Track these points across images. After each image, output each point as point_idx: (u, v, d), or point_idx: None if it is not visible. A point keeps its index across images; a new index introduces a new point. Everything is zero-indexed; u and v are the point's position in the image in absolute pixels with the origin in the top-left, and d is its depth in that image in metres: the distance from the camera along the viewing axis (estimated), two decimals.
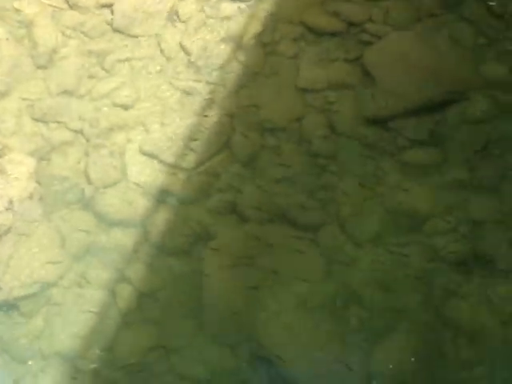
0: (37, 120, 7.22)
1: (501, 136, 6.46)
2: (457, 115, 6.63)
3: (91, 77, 7.38)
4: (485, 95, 6.65)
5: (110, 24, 7.65)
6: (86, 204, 6.77)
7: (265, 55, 7.28)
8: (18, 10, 7.69)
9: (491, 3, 7.00)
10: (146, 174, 6.81)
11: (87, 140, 7.04)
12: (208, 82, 7.19)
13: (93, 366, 6.10)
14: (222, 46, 7.37)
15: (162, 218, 6.61)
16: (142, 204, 6.67)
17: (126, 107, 7.15)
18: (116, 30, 7.62)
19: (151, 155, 6.87)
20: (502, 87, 6.67)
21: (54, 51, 7.51)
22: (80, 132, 7.08)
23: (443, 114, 6.65)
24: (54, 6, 7.71)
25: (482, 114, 6.59)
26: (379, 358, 5.80)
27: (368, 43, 7.09)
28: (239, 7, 7.52)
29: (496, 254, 6.02)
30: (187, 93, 7.17)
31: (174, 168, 6.77)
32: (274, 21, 7.39)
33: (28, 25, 7.63)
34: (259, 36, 7.34)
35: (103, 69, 7.43)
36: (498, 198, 6.25)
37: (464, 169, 6.41)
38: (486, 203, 6.27)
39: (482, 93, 6.65)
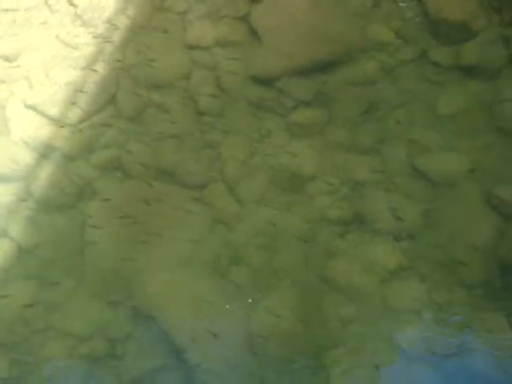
0: None
1: (383, 99, 6.77)
2: (342, 77, 6.86)
3: None
4: (370, 58, 6.93)
5: None
6: None
7: (153, 10, 7.42)
8: None
9: None
10: (29, 128, 6.87)
11: None
12: (94, 36, 7.27)
13: None
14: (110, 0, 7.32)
15: (45, 173, 6.69)
16: (24, 159, 6.74)
17: (8, 59, 7.18)
18: None
19: (35, 109, 6.94)
20: (387, 50, 6.99)
21: None
22: None
23: (329, 76, 6.88)
24: None
25: (367, 77, 6.86)
26: (260, 316, 5.99)
27: (255, 1, 7.24)
28: None
29: (375, 214, 6.29)
30: (73, 46, 7.24)
31: (58, 123, 6.85)
32: None
33: None
34: None
35: None
36: (378, 160, 6.55)
37: (347, 130, 6.68)
38: (367, 165, 6.53)
39: (367, 55, 6.94)
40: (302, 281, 6.10)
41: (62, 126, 6.81)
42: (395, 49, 7.01)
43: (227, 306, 6.03)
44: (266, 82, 6.88)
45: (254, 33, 7.04)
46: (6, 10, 7.35)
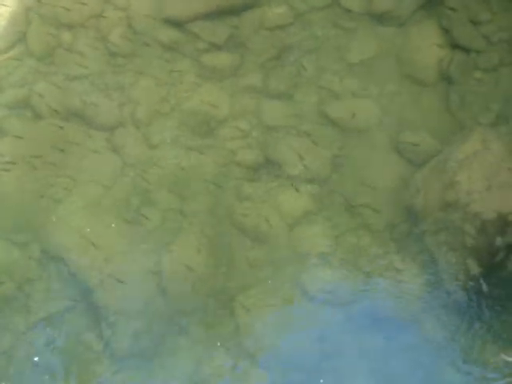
0: None
1: (295, 44, 7.02)
2: (254, 21, 7.12)
3: None
4: (282, 2, 7.14)
5: None
6: None
7: None
8: None
9: None
10: None
11: None
12: None
13: None
14: None
15: None
16: None
17: None
18: None
19: None
20: None
21: None
22: None
23: (241, 19, 7.13)
24: None
25: (278, 21, 7.12)
26: (170, 259, 6.28)
27: None
28: None
29: (285, 159, 6.58)
30: None
31: None
32: None
33: None
34: None
35: None
36: (289, 105, 6.83)
37: (259, 74, 6.94)
38: (279, 109, 6.82)
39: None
40: (212, 225, 6.37)
41: None
42: None
43: (136, 249, 6.26)
44: (178, 24, 7.12)
45: None
46: None
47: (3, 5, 7.09)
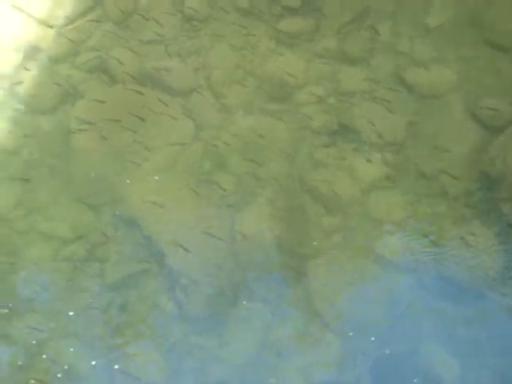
0: None
1: (372, 9, 7.13)
2: None
3: None
4: None
5: None
6: None
7: None
8: None
9: None
10: (15, 28, 7.26)
11: None
12: None
13: None
14: None
15: (30, 74, 7.12)
16: (10, 59, 7.16)
17: None
18: None
19: (21, 10, 7.33)
20: None
21: None
22: None
23: None
24: None
25: None
26: (243, 222, 6.44)
27: None
28: None
29: (360, 125, 6.73)
30: None
31: (44, 24, 7.26)
32: None
33: None
34: None
35: None
36: (366, 70, 6.94)
37: (335, 39, 7.07)
38: (355, 74, 6.94)
39: None
40: (286, 190, 6.51)
41: (47, 28, 7.20)
42: None
43: (209, 213, 6.45)
44: None
45: None
46: None
47: None
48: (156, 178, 6.65)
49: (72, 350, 6.11)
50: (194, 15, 7.28)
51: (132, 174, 6.64)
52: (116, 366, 6.03)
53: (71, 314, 6.26)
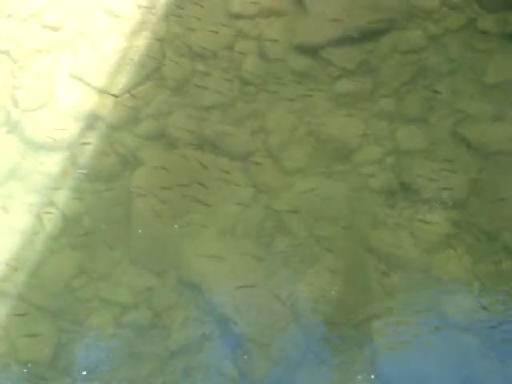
0: None
1: (429, 67, 7.35)
2: (387, 45, 7.51)
3: None
4: (415, 26, 7.57)
5: None
6: (13, 127, 7.60)
7: None
8: None
9: None
10: (74, 97, 7.59)
11: (14, 61, 7.87)
12: (138, 5, 8.08)
13: (18, 290, 6.85)
14: None
15: (90, 142, 7.43)
16: (69, 128, 7.47)
17: (54, 29, 7.99)
18: None
19: (80, 79, 7.67)
20: (433, 18, 7.64)
21: None
22: (7, 53, 7.93)
23: (374, 44, 7.52)
24: None
25: (412, 45, 7.50)
26: (305, 284, 6.58)
27: None
28: None
29: (420, 184, 6.86)
30: (117, 16, 8.04)
31: (102, 92, 7.58)
32: None
33: None
34: None
35: None
36: (425, 129, 7.14)
37: (393, 99, 7.29)
38: (414, 134, 7.14)
39: (412, 23, 7.57)
40: (347, 251, 6.66)
41: (106, 96, 7.52)
42: (441, 17, 7.61)
43: (271, 276, 6.61)
44: (310, 51, 7.57)
45: (298, 2, 7.77)
46: None
47: (137, 40, 7.75)
48: (217, 242, 6.80)
49: None
50: (250, 79, 7.54)
51: (192, 239, 6.80)
52: None
53: (134, 381, 6.28)
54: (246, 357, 6.35)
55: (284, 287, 6.55)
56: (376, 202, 6.87)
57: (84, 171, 7.29)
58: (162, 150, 7.37)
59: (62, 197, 7.20)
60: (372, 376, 6.19)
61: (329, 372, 6.27)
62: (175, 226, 6.91)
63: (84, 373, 6.50)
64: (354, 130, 7.19)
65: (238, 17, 7.95)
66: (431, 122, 7.14)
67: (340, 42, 7.55)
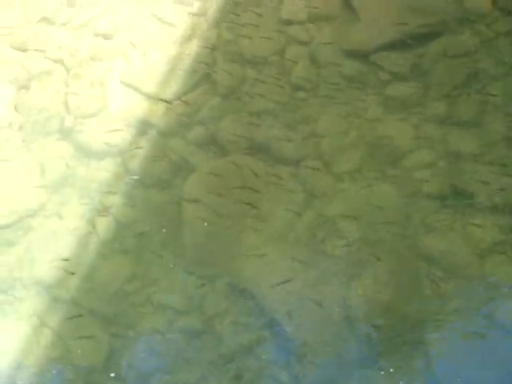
0: (16, 48, 8.25)
1: (481, 70, 7.39)
2: (438, 49, 7.56)
3: (71, 5, 8.45)
4: (467, 29, 7.59)
5: None
6: (66, 134, 7.79)
7: None
8: None
9: None
10: (126, 104, 7.79)
11: (67, 70, 8.06)
12: (189, 13, 8.22)
13: (72, 295, 7.02)
14: None
15: (142, 149, 7.60)
16: (121, 135, 7.68)
17: (106, 37, 8.18)
18: None
19: (132, 86, 7.87)
20: (485, 21, 7.64)
21: None
22: (60, 61, 8.12)
23: (425, 48, 7.58)
24: None
25: (464, 49, 7.53)
26: (357, 289, 6.65)
27: None
28: None
29: (473, 188, 6.92)
30: (168, 23, 8.19)
31: (154, 99, 7.76)
32: None
33: None
34: None
35: None
36: (477, 133, 7.17)
37: (444, 103, 7.34)
38: (466, 137, 7.18)
39: (464, 26, 7.61)
40: (399, 255, 6.73)
41: (158, 103, 7.69)
42: (493, 20, 7.60)
43: (323, 280, 6.70)
44: (360, 56, 7.65)
45: (348, 7, 7.83)
46: None
47: (188, 47, 7.90)
48: (268, 247, 6.91)
49: None
50: (301, 84, 7.65)
51: (244, 244, 6.94)
52: None
53: None
54: (297, 361, 6.41)
55: (336, 292, 6.64)
56: (428, 207, 6.94)
57: (136, 177, 7.46)
58: (214, 155, 7.51)
59: (115, 202, 7.39)
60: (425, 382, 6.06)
61: (381, 378, 6.35)
62: (226, 232, 7.02)
63: (136, 377, 6.66)
64: (405, 134, 7.27)
65: (288, 23, 8.05)
66: (483, 126, 7.17)
67: (391, 46, 7.62)
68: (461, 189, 6.92)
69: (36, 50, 8.11)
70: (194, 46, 7.99)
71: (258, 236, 6.94)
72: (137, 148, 7.57)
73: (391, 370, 6.32)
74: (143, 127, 7.64)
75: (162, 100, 7.68)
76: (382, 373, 6.34)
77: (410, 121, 7.35)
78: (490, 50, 7.42)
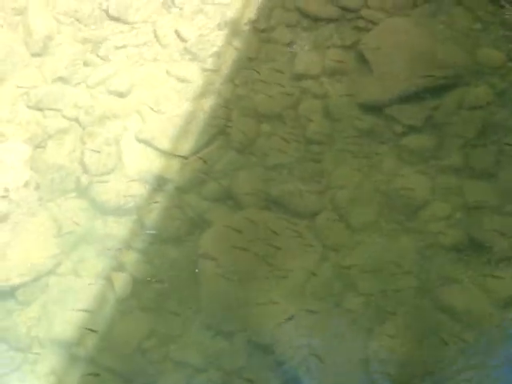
0: (32, 107, 8.43)
1: (496, 122, 7.55)
2: (453, 101, 7.72)
3: (87, 64, 8.62)
4: (481, 81, 7.75)
5: (105, 11, 8.92)
6: (82, 192, 7.86)
7: (260, 42, 8.50)
8: None
9: None
10: (141, 161, 7.92)
11: (83, 128, 8.20)
12: (203, 69, 8.39)
13: (89, 353, 7.06)
14: (218, 33, 8.60)
15: (157, 205, 7.69)
16: (137, 191, 7.77)
17: (121, 95, 8.35)
18: (111, 17, 8.89)
19: (147, 143, 8.02)
20: (499, 73, 7.81)
21: (49, 38, 8.74)
22: (75, 120, 8.26)
23: (439, 100, 7.75)
24: None
25: (478, 100, 7.68)
26: (376, 343, 6.70)
27: (364, 29, 8.27)
28: None
29: (491, 239, 7.01)
30: (183, 80, 8.38)
31: (169, 155, 7.89)
32: (269, 7, 8.63)
33: (22, 11, 8.88)
34: (255, 22, 8.60)
35: (98, 56, 8.65)
36: (493, 184, 7.27)
37: (460, 154, 7.48)
38: (482, 189, 7.28)
39: (477, 79, 7.77)
40: (418, 308, 6.79)
41: (173, 159, 7.84)
42: (507, 71, 7.78)
43: (341, 335, 6.77)
44: (374, 109, 7.80)
45: (361, 61, 8.01)
46: (119, 48, 8.59)
47: (203, 102, 8.03)
48: (286, 302, 6.96)
49: None
50: (316, 138, 7.82)
51: (262, 299, 6.99)
52: None
53: None
54: None
55: (354, 347, 6.69)
56: (446, 259, 7.03)
57: (153, 232, 7.54)
58: (230, 211, 7.58)
59: (132, 259, 7.46)
60: None
61: None
62: (243, 287, 7.08)
63: None
64: (421, 186, 7.39)
65: (302, 77, 8.22)
66: (500, 177, 7.30)
67: (405, 98, 7.75)
68: (478, 240, 7.00)
69: (52, 108, 8.27)
70: (208, 102, 8.10)
71: (276, 290, 7.01)
72: (153, 203, 7.66)
73: None
74: (159, 183, 7.73)
75: (177, 156, 7.81)
76: None
77: (426, 172, 7.45)
78: (504, 102, 7.59)
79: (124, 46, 8.60)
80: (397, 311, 6.77)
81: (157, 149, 7.94)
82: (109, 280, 7.36)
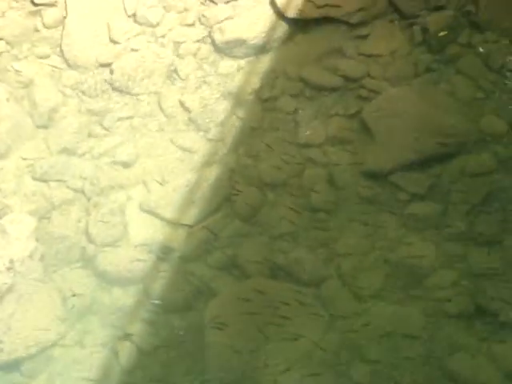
0: (37, 179, 8.57)
1: (500, 189, 7.65)
2: (456, 169, 7.85)
3: (91, 135, 8.77)
4: (484, 149, 7.89)
5: (109, 83, 9.06)
6: (88, 262, 7.98)
7: (264, 111, 8.65)
8: (17, 71, 9.09)
9: (481, 50, 8.43)
10: (146, 231, 8.03)
11: (88, 198, 8.34)
12: (208, 139, 8.55)
13: None
14: (222, 103, 8.76)
15: (163, 274, 7.79)
16: (143, 261, 7.87)
17: (126, 165, 8.51)
18: (115, 89, 9.02)
19: (152, 213, 8.14)
20: (502, 142, 7.96)
21: (54, 110, 8.91)
22: (80, 191, 8.40)
23: (443, 168, 7.87)
24: (53, 66, 9.16)
25: (482, 168, 7.83)
26: None
27: (366, 99, 8.40)
28: (238, 64, 8.95)
29: (498, 307, 7.06)
30: (187, 150, 8.54)
31: (174, 225, 8.01)
32: (272, 77, 8.79)
33: (28, 85, 9.06)
34: (258, 92, 8.74)
35: (103, 127, 8.81)
36: (498, 251, 7.37)
37: (464, 222, 7.55)
38: (487, 256, 7.37)
39: (481, 147, 7.91)
40: (425, 377, 6.86)
41: (178, 228, 7.95)
42: (510, 140, 7.92)
43: None
44: (378, 177, 7.93)
45: (364, 129, 8.15)
46: (124, 119, 8.78)
47: (207, 172, 8.21)
48: (293, 371, 7.07)
49: None
50: (320, 206, 7.92)
51: (269, 367, 7.10)
52: None
53: None
54: None
55: None
56: (453, 327, 7.07)
57: (158, 302, 7.63)
58: (235, 279, 7.66)
59: (137, 330, 7.53)
60: None
61: None
62: (250, 356, 7.13)
63: None
64: (426, 254, 7.46)
65: (306, 146, 8.35)
66: (505, 244, 7.37)
67: (408, 166, 7.89)
68: (484, 308, 7.04)
69: (57, 180, 8.40)
70: (213, 171, 8.24)
71: (283, 359, 7.07)
72: (158, 273, 7.76)
73: None
74: (164, 252, 7.84)
75: (182, 225, 7.93)
76: None
77: (430, 240, 7.52)
78: (508, 169, 7.71)
79: (128, 117, 8.76)
80: (404, 380, 6.87)
81: (162, 218, 8.05)
82: (114, 351, 7.42)
